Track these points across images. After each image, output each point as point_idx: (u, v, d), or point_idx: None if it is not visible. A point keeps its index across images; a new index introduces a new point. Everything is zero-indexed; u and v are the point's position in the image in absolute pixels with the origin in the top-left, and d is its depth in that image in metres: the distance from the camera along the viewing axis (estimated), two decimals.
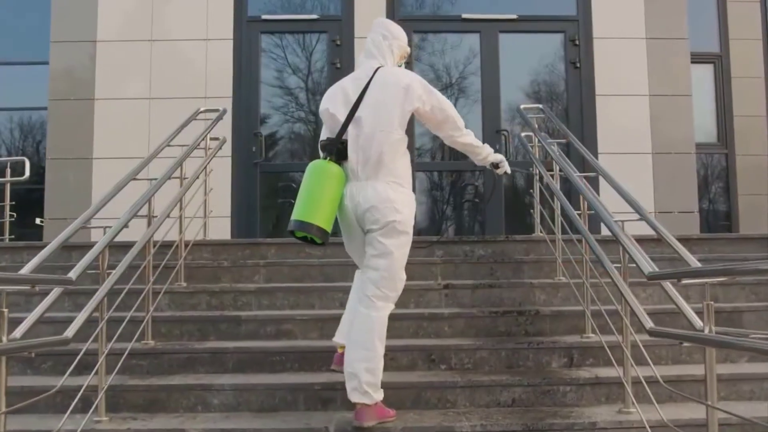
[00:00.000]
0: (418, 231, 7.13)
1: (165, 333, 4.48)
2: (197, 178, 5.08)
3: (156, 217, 4.38)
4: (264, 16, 7.36)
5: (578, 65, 7.37)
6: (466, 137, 3.67)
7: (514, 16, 7.41)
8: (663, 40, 7.43)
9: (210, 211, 5.68)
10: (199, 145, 5.37)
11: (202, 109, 5.69)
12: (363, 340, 3.34)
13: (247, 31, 7.33)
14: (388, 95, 3.42)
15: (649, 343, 3.60)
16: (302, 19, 7.40)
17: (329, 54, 7.34)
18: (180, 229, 4.99)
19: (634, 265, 3.47)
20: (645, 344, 3.54)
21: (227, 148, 7.02)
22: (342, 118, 3.45)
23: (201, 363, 4.15)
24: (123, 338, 3.98)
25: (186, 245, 5.19)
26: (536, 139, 5.68)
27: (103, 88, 7.22)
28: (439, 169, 7.49)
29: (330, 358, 3.72)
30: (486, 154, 3.79)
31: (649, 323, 3.15)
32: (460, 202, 7.52)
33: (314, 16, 7.38)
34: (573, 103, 7.39)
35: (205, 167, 5.51)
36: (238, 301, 4.79)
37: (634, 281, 3.88)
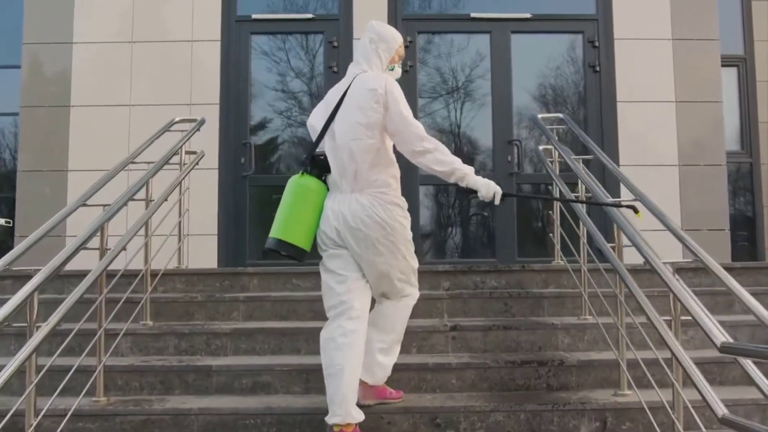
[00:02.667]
0: (423, 254, 6.33)
1: (122, 386, 3.70)
2: (165, 200, 4.27)
3: (109, 249, 3.58)
4: (255, 16, 6.55)
5: (598, 69, 6.54)
6: (431, 163, 3.15)
7: (527, 15, 6.58)
8: (691, 41, 6.60)
9: (185, 235, 4.87)
10: (172, 160, 4.59)
11: (177, 119, 4.90)
12: (384, 323, 3.29)
13: (236, 32, 6.53)
14: (356, 102, 3.18)
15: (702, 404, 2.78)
16: (296, 19, 6.59)
17: (326, 56, 6.54)
18: (146, 258, 4.21)
19: (689, 317, 2.72)
20: (696, 405, 2.79)
21: (213, 160, 6.27)
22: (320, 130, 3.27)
23: (160, 427, 3.36)
24: (71, 392, 3.25)
25: (156, 275, 4.41)
26: (556, 154, 4.87)
27: (80, 94, 6.42)
28: (444, 183, 6.61)
29: (318, 424, 3.07)
30: (458, 177, 3.18)
31: (721, 409, 2.34)
32: (467, 221, 6.67)
33: (309, 16, 6.58)
34: (592, 111, 6.56)
35: (180, 184, 4.73)
36: (212, 344, 4.00)
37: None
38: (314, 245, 3.23)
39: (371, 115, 3.13)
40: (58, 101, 6.41)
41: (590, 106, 6.56)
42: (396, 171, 3.28)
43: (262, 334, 4.00)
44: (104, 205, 3.64)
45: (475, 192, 3.16)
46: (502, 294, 4.35)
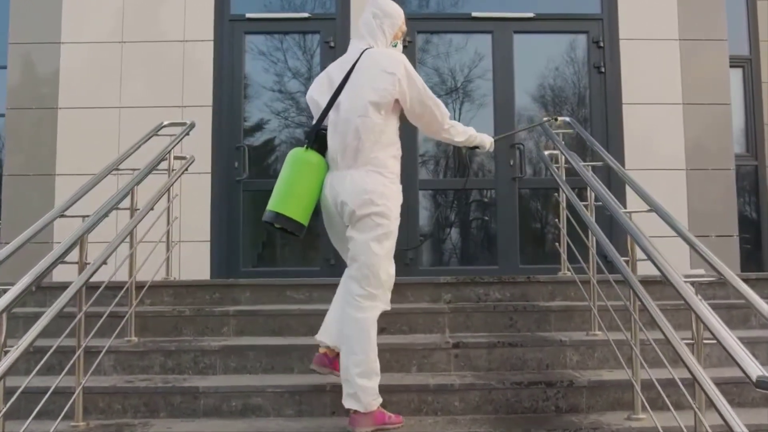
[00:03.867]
0: (422, 260, 6.07)
1: (103, 408, 3.43)
2: (152, 209, 4.00)
3: (89, 263, 3.32)
4: (249, 15, 6.28)
5: (603, 70, 6.28)
6: (454, 136, 3.42)
7: (530, 15, 6.32)
8: (698, 42, 6.34)
9: (174, 244, 4.60)
10: (161, 165, 4.33)
11: (165, 122, 4.63)
12: (352, 344, 3.07)
13: (230, 32, 6.26)
14: (367, 79, 3.12)
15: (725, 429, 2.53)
16: (292, 18, 6.32)
17: (323, 57, 6.26)
18: (130, 270, 3.94)
19: (713, 340, 2.49)
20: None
21: (205, 164, 6.01)
22: (324, 104, 3.20)
23: None
24: (49, 415, 3.01)
25: (142, 287, 4.14)
26: (562, 159, 4.61)
27: (68, 95, 6.15)
28: (443, 187, 6.36)
29: None
30: (471, 143, 3.54)
31: None
32: (468, 226, 6.40)
33: (305, 15, 6.31)
34: (597, 113, 6.29)
35: (169, 191, 4.46)
36: (200, 362, 3.73)
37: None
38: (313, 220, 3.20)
39: (385, 96, 3.09)
40: (46, 103, 6.14)
41: (595, 108, 6.30)
42: (396, 150, 3.21)
43: (253, 351, 3.74)
44: (83, 216, 3.37)
45: (476, 148, 3.55)
46: (506, 307, 4.09)
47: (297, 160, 3.16)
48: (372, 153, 3.09)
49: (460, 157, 6.23)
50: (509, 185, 6.13)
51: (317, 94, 3.28)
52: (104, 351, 3.57)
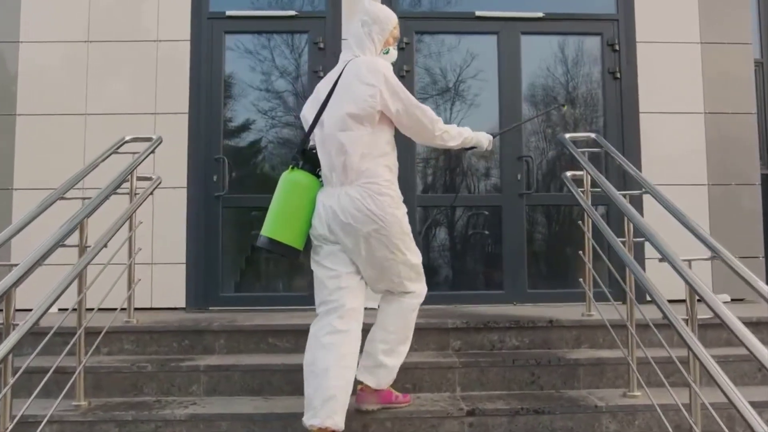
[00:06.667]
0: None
1: None
2: (105, 246, 3.23)
3: (17, 324, 2.56)
4: (229, 12, 5.50)
5: (618, 75, 5.57)
6: (447, 141, 3.10)
7: (539, 14, 5.59)
8: (722, 45, 5.65)
9: (137, 281, 3.83)
10: (120, 188, 3.57)
11: (127, 137, 3.86)
12: (388, 322, 2.96)
13: (209, 31, 5.48)
14: (349, 93, 2.88)
15: None
16: (277, 17, 5.56)
17: (311, 59, 5.51)
18: (78, 319, 3.18)
19: None
20: None
21: (180, 178, 5.28)
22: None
23: None
24: None
25: (99, 332, 3.40)
26: (588, 179, 3.91)
27: (28, 101, 5.36)
28: (437, 204, 5.56)
29: None
30: (467, 145, 3.21)
31: None
32: (471, 245, 5.67)
33: (292, 13, 5.55)
34: (611, 122, 5.59)
35: (131, 219, 3.71)
36: None
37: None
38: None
39: (365, 108, 2.84)
40: (2, 109, 5.36)
41: (609, 117, 5.59)
42: (390, 160, 2.95)
43: (226, 421, 3.00)
44: (12, 265, 2.62)
45: (473, 148, 3.22)
46: (527, 361, 3.37)
47: (286, 182, 2.95)
48: (362, 166, 2.85)
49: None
50: (516, 201, 5.42)
51: (308, 112, 3.05)
52: (45, 420, 2.83)
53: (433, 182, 5.69)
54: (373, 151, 2.87)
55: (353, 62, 2.96)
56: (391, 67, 2.97)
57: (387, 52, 3.08)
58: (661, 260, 2.77)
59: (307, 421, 2.64)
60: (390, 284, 2.96)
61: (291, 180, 2.94)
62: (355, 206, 2.81)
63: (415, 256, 2.98)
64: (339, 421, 2.63)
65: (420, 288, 3.03)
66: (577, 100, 5.72)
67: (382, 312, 3.02)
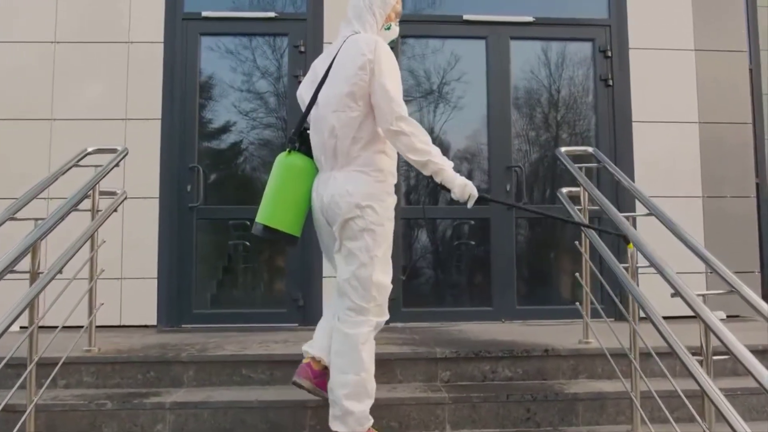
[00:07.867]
0: (401, 301, 5.00)
1: None
2: (60, 271, 2.90)
3: None
4: (205, 13, 5.17)
5: (610, 83, 5.31)
6: (409, 141, 2.63)
7: (529, 19, 5.32)
8: (716, 53, 5.42)
9: (99, 305, 3.48)
10: (79, 205, 3.23)
11: (90, 149, 3.50)
12: (341, 363, 2.64)
13: (183, 33, 5.14)
14: (343, 68, 2.71)
15: None
16: (256, 18, 5.23)
17: (291, 63, 5.19)
18: (30, 351, 2.84)
19: None
20: None
21: (152, 188, 4.96)
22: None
23: None
24: None
25: (56, 363, 3.06)
26: (585, 196, 3.64)
27: None
28: (417, 216, 5.16)
29: None
30: (433, 170, 2.69)
31: None
32: (457, 260, 5.36)
33: (272, 14, 5.22)
34: (603, 131, 5.33)
35: (93, 238, 3.37)
36: None
37: None
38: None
39: (356, 83, 2.65)
40: None
41: (602, 126, 5.34)
42: (383, 146, 2.73)
43: None
44: None
45: (449, 190, 2.72)
46: (522, 395, 3.07)
47: (280, 165, 2.80)
48: (353, 152, 2.68)
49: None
50: (505, 214, 5.14)
51: (304, 92, 2.89)
52: None
53: (416, 187, 5.36)
54: (363, 135, 2.69)
55: (351, 39, 2.77)
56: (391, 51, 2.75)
57: (389, 28, 2.90)
58: (673, 295, 2.49)
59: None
60: (346, 284, 2.65)
61: (286, 163, 2.79)
62: (338, 190, 2.66)
63: (383, 274, 2.67)
64: (308, 348, 2.80)
65: (370, 313, 2.65)
66: (568, 108, 5.45)
67: (334, 354, 2.67)
